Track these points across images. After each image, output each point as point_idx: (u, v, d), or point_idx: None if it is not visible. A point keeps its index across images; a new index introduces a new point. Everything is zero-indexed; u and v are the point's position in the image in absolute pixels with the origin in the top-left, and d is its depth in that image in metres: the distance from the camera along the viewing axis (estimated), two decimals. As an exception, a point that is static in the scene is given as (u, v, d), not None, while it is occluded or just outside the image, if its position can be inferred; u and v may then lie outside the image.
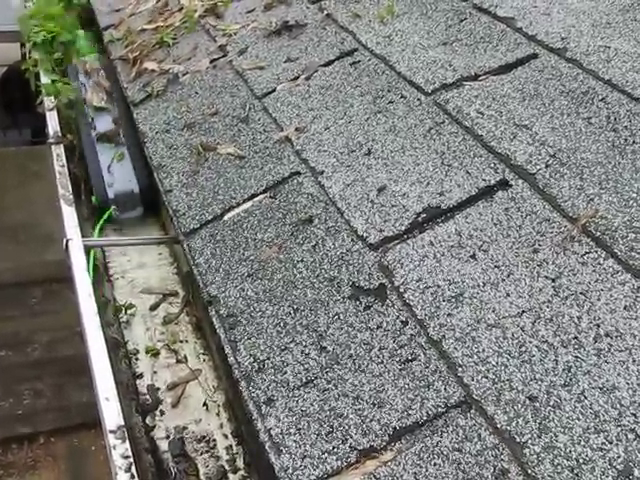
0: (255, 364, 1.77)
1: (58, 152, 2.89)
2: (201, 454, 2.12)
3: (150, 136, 2.63)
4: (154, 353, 2.38)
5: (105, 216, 2.82)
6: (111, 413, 1.90)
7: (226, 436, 2.15)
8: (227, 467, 2.06)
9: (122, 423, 1.88)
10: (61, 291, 8.40)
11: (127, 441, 1.85)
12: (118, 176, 2.86)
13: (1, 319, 8.32)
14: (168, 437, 2.17)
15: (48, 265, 8.21)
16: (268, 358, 1.77)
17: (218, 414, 2.20)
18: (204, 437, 2.17)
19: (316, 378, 1.70)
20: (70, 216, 2.53)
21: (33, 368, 8.49)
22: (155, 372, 2.35)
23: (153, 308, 2.47)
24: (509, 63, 2.32)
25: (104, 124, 3.10)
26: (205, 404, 2.20)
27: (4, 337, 8.40)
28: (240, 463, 2.07)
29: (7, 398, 8.47)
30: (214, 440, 2.15)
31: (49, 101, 3.23)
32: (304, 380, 1.70)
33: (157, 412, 2.23)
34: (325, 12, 2.85)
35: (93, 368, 2.01)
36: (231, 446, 2.12)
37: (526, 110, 2.13)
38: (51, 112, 3.17)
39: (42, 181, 8.96)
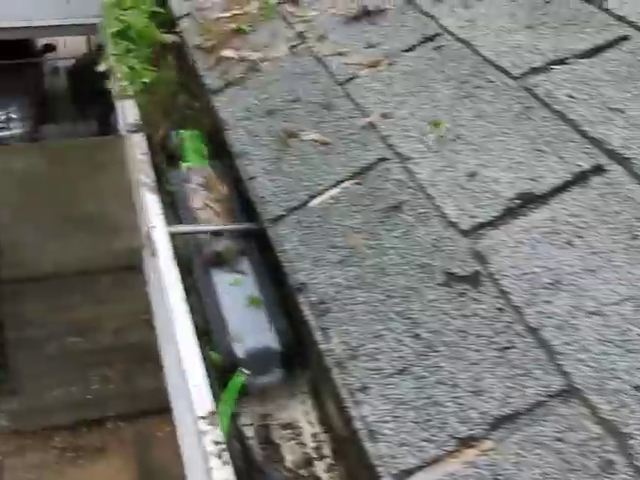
0: (348, 351, 1.76)
1: (137, 140, 2.90)
2: (286, 441, 2.12)
3: (231, 123, 2.63)
4: (239, 340, 2.37)
5: (236, 386, 2.17)
6: (201, 399, 1.90)
7: (312, 423, 2.15)
8: (313, 454, 2.06)
9: (213, 409, 1.88)
10: (128, 279, 8.51)
11: (218, 427, 1.86)
12: (247, 323, 2.22)
13: (71, 307, 8.49)
14: (253, 424, 2.18)
15: (116, 254, 8.35)
16: (361, 345, 1.76)
17: (303, 402, 2.20)
18: (289, 424, 2.17)
19: (411, 366, 1.68)
20: (153, 203, 2.54)
21: (101, 354, 8.66)
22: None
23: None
24: (599, 45, 2.27)
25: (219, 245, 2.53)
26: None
27: (74, 324, 8.57)
28: (326, 451, 2.06)
29: (77, 383, 8.66)
30: (299, 427, 2.15)
31: (125, 88, 3.25)
32: (399, 368, 1.68)
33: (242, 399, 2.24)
34: (405, -4, 2.83)
35: (181, 354, 2.02)
36: (316, 434, 2.12)
37: (618, 93, 2.08)
38: (128, 100, 3.19)
39: (110, 171, 9.06)
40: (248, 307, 2.27)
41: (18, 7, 12.02)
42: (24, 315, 8.43)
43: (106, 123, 10.91)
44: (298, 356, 2.21)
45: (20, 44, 12.36)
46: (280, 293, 2.25)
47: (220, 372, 2.18)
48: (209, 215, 2.59)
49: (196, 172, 2.77)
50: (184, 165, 2.84)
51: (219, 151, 2.86)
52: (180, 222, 2.62)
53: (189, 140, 2.98)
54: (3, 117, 11.44)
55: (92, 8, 11.45)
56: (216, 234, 2.51)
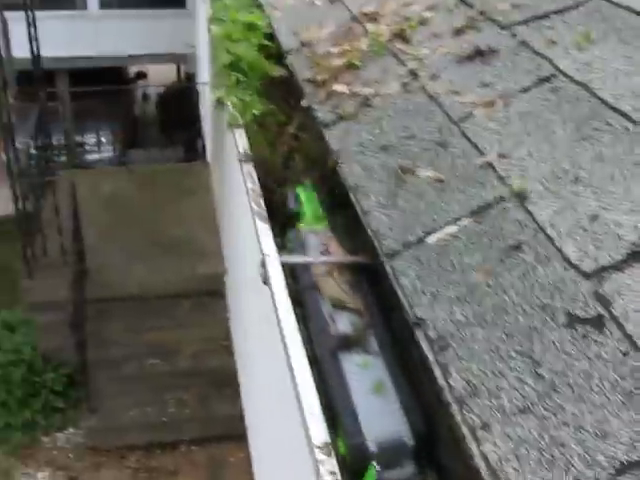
0: (468, 388, 1.77)
1: (248, 169, 2.97)
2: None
3: (344, 157, 2.68)
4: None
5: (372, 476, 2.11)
6: (317, 429, 1.93)
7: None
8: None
9: (328, 440, 1.91)
10: (210, 304, 8.64)
11: (333, 457, 1.88)
12: (377, 412, 2.14)
13: (153, 329, 8.62)
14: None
15: (199, 279, 8.48)
16: (482, 383, 1.77)
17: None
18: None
19: (533, 405, 1.68)
20: (266, 232, 2.59)
21: (179, 378, 8.75)
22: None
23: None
24: None
25: (346, 323, 2.49)
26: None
27: (154, 346, 8.69)
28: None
29: (153, 405, 8.76)
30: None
31: (236, 118, 3.33)
32: (521, 407, 1.69)
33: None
34: (518, 38, 2.85)
35: (297, 384, 2.05)
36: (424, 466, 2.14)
37: None
38: (239, 129, 3.27)
39: (196, 197, 9.26)
40: (377, 393, 2.20)
41: (113, 38, 12.42)
42: (106, 335, 8.59)
43: (193, 149, 11.16)
44: (430, 449, 2.14)
45: (113, 71, 12.76)
46: (412, 373, 2.22)
47: (349, 463, 2.16)
48: (330, 284, 2.55)
49: (315, 236, 2.79)
50: (303, 228, 2.86)
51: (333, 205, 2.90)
52: (301, 286, 2.60)
53: (306, 201, 3.00)
54: (94, 141, 11.77)
55: (183, 39, 11.73)
56: (341, 307, 2.47)
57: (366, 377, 2.26)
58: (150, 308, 8.60)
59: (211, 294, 8.50)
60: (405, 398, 2.20)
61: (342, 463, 2.07)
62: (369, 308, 2.51)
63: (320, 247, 2.73)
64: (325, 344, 2.38)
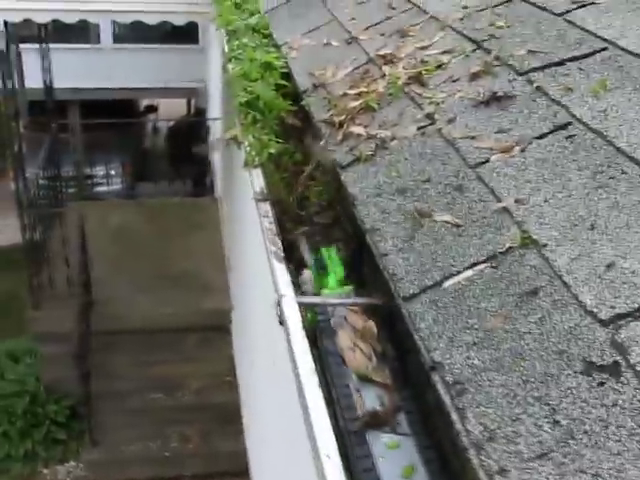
0: (486, 433, 1.78)
1: (266, 209, 3.00)
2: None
3: (361, 199, 2.71)
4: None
5: None
6: (333, 472, 1.93)
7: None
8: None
9: (345, 480, 1.92)
10: (214, 339, 8.67)
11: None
12: None
13: (157, 362, 8.64)
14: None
15: (205, 313, 8.51)
16: (499, 428, 1.78)
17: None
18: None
19: (551, 451, 1.70)
20: (282, 272, 2.62)
21: (183, 412, 8.76)
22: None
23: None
24: None
25: (373, 399, 2.36)
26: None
27: (158, 380, 8.71)
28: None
29: (156, 439, 8.76)
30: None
31: (252, 157, 3.36)
32: (538, 452, 1.70)
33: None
34: (534, 84, 2.88)
35: (312, 425, 2.06)
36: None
37: None
38: (255, 168, 3.30)
39: (204, 232, 9.32)
40: (407, 478, 2.11)
41: (125, 71, 12.56)
42: (111, 368, 8.60)
43: (201, 184, 11.23)
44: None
45: (124, 104, 12.86)
46: (444, 451, 2.13)
47: None
48: (358, 357, 2.46)
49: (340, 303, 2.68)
50: (326, 293, 2.79)
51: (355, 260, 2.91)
52: (327, 362, 2.50)
53: (330, 264, 2.93)
54: (103, 173, 11.84)
55: (194, 74, 11.86)
56: (367, 380, 2.38)
57: (396, 460, 2.15)
58: (155, 342, 8.63)
59: (216, 329, 8.54)
60: None
61: None
62: (398, 383, 2.41)
63: (346, 316, 2.62)
64: (351, 422, 2.27)
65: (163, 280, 8.82)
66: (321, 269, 2.92)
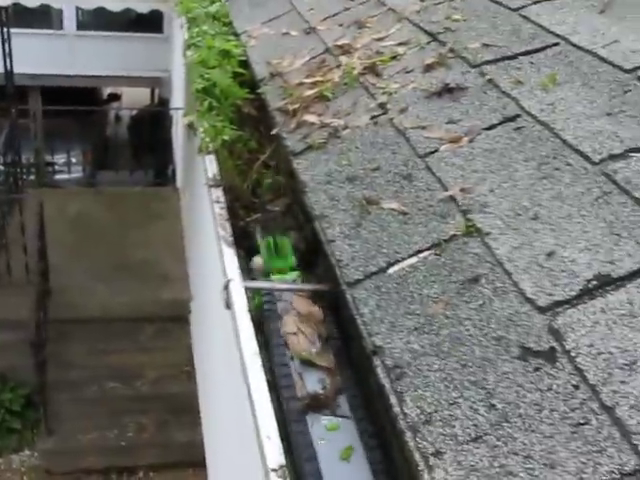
0: (422, 416, 1.81)
1: (217, 195, 3.00)
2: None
3: (311, 186, 2.72)
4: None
5: None
6: (273, 452, 1.95)
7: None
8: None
9: (284, 462, 1.93)
10: (172, 329, 8.62)
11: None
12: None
13: (114, 352, 8.57)
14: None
15: (162, 303, 8.46)
16: (436, 411, 1.81)
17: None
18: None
19: (485, 434, 1.72)
20: (231, 257, 2.62)
21: (140, 402, 8.70)
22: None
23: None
24: (679, 138, 2.33)
25: (314, 382, 2.40)
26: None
27: (114, 369, 8.64)
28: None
29: (112, 429, 8.69)
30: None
31: (206, 144, 3.36)
32: (473, 435, 1.73)
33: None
34: (486, 77, 2.92)
35: (255, 406, 2.07)
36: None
37: (698, 186, 2.14)
38: (209, 155, 3.30)
39: (164, 222, 9.26)
40: (345, 460, 2.14)
41: (89, 58, 12.45)
42: (67, 356, 8.52)
43: (163, 174, 11.17)
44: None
45: (87, 92, 12.76)
46: (384, 435, 2.18)
47: None
48: (301, 341, 2.49)
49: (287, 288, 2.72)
50: (274, 279, 2.81)
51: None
52: (268, 345, 2.53)
53: (280, 248, 2.96)
54: (64, 161, 11.73)
55: (158, 63, 11.76)
56: (310, 364, 2.41)
57: (335, 441, 2.18)
58: (113, 331, 8.56)
59: (175, 320, 8.48)
60: (376, 463, 2.13)
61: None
62: (341, 366, 2.44)
63: (294, 303, 2.64)
64: (293, 404, 2.29)
65: (122, 269, 8.75)
66: (272, 255, 2.93)
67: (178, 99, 9.18)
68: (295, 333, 2.50)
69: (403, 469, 1.95)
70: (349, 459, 2.14)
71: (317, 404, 2.28)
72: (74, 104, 10.62)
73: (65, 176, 11.71)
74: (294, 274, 2.81)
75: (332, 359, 2.44)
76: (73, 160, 11.84)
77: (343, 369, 2.42)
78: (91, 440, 8.71)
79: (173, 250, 8.72)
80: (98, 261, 8.79)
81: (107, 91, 14.23)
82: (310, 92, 3.27)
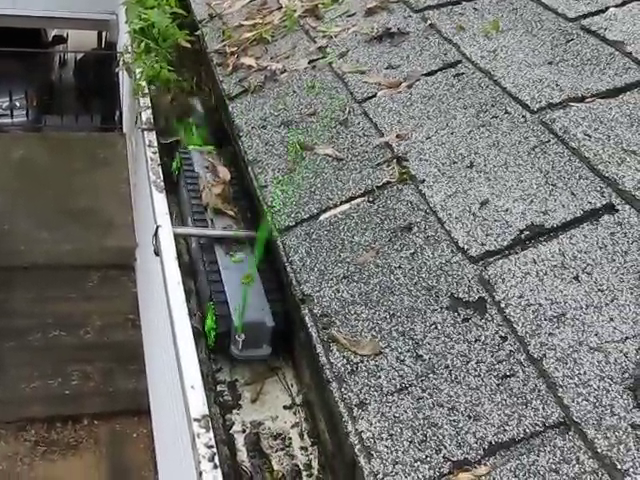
0: (348, 366, 1.77)
1: (150, 139, 2.91)
2: (276, 451, 2.13)
3: (245, 130, 2.65)
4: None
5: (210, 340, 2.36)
6: (196, 402, 1.90)
7: (302, 436, 2.15)
8: (301, 467, 2.06)
9: (207, 412, 1.89)
10: (117, 277, 8.52)
11: (211, 431, 1.86)
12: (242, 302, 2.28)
13: (57, 299, 8.44)
14: (244, 431, 2.18)
15: (107, 251, 8.34)
16: (362, 361, 1.77)
17: (295, 413, 2.21)
18: (280, 435, 2.18)
19: (411, 385, 1.69)
20: (161, 202, 2.55)
21: (84, 351, 8.59)
22: (234, 366, 2.36)
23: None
24: (617, 87, 2.29)
25: (223, 225, 2.69)
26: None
27: (59, 317, 8.52)
28: (315, 464, 2.06)
29: (56, 377, 8.59)
30: (290, 439, 2.15)
31: (142, 86, 3.26)
32: (398, 386, 1.69)
33: (235, 406, 2.24)
34: (428, 22, 2.85)
35: (180, 356, 2.02)
36: (306, 447, 2.12)
37: (634, 136, 2.10)
38: (144, 98, 3.20)
39: (109, 168, 9.09)
40: (246, 284, 2.36)
41: (33, -3, 12.08)
42: (10, 304, 8.39)
43: (110, 119, 10.94)
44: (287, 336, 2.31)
45: (31, 33, 12.40)
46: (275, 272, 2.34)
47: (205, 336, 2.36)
48: (213, 195, 2.76)
49: (201, 154, 2.99)
50: (190, 147, 3.06)
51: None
52: (179, 201, 2.85)
53: (195, 127, 3.22)
54: (6, 104, 11.43)
55: (106, 5, 11.46)
56: (219, 212, 2.70)
57: (237, 270, 2.44)
58: (57, 278, 8.43)
59: (120, 267, 8.38)
60: (270, 290, 2.35)
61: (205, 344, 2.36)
62: (244, 218, 2.74)
63: (206, 163, 2.97)
64: (204, 242, 2.59)
65: (66, 216, 8.59)
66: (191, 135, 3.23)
67: (124, 42, 8.95)
68: (208, 186, 2.82)
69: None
70: (248, 283, 2.35)
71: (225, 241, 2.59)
72: (17, 46, 10.32)
73: (8, 120, 11.41)
74: (210, 147, 3.11)
75: (237, 210, 2.74)
76: (16, 104, 11.54)
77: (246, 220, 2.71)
78: (35, 389, 8.61)
79: (119, 197, 8.58)
80: (43, 207, 8.61)
81: (52, 33, 13.85)
82: (249, 34, 3.18)
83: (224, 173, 2.88)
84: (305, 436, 2.14)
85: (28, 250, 8.29)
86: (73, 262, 8.35)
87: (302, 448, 2.11)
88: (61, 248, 8.35)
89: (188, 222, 2.74)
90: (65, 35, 13.95)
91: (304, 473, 2.04)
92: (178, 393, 2.17)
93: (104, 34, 13.60)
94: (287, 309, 2.25)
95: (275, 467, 2.07)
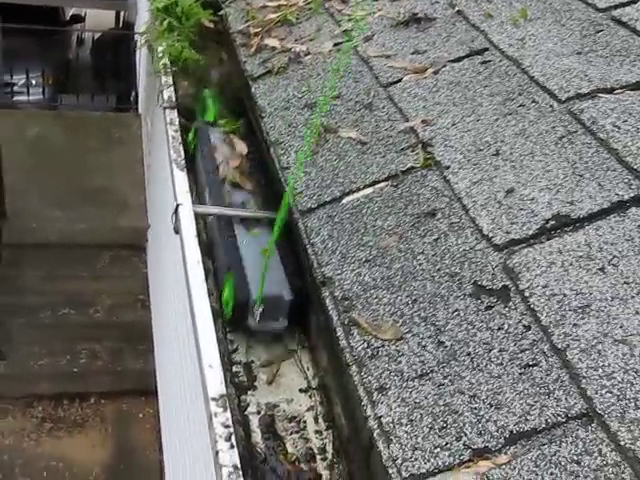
0: (369, 350, 1.76)
1: (172, 117, 2.90)
2: (290, 434, 2.12)
3: (268, 112, 2.63)
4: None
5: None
6: (214, 381, 1.89)
7: (317, 419, 2.15)
8: (315, 450, 2.06)
9: (224, 392, 1.88)
10: (128, 257, 8.54)
11: (228, 410, 1.85)
12: (259, 276, 2.29)
13: (69, 278, 8.46)
14: (259, 413, 2.18)
15: (120, 231, 8.35)
16: (382, 346, 1.76)
17: (311, 396, 2.20)
18: (294, 417, 2.17)
19: (432, 372, 1.68)
20: (181, 181, 2.53)
21: (94, 329, 8.62)
22: (250, 347, 2.36)
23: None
24: (648, 79, 2.27)
25: (240, 199, 2.72)
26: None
27: (69, 295, 8.54)
28: (329, 448, 2.06)
29: (65, 355, 8.62)
30: (304, 422, 2.15)
31: (164, 65, 3.25)
32: (419, 372, 1.68)
33: (250, 387, 2.24)
34: (456, 8, 2.82)
35: (198, 334, 2.01)
36: (321, 431, 2.12)
37: (664, 128, 2.08)
38: (166, 76, 3.19)
39: (124, 148, 9.09)
40: (264, 256, 2.33)
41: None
42: (22, 281, 8.41)
43: (126, 99, 10.92)
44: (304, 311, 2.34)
45: (49, 12, 12.38)
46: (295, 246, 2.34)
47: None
48: (231, 170, 2.79)
49: (218, 132, 2.99)
50: (207, 121, 3.10)
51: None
52: (195, 174, 2.89)
53: (212, 101, 3.23)
54: (23, 82, 11.42)
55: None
56: (237, 187, 2.73)
57: (256, 244, 2.46)
58: (69, 257, 8.45)
59: (132, 247, 8.39)
60: (288, 264, 2.37)
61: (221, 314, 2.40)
62: (262, 193, 2.76)
63: (223, 137, 2.99)
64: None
65: (80, 195, 8.60)
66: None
67: (142, 23, 8.94)
68: (226, 160, 2.83)
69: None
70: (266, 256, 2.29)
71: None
72: (35, 24, 10.30)
73: (24, 98, 11.40)
74: (226, 121, 3.13)
75: (256, 187, 2.76)
76: (33, 82, 11.53)
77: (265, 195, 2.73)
78: (43, 366, 8.64)
79: (133, 177, 8.57)
80: (56, 186, 8.62)
81: (70, 12, 13.83)
82: (273, 15, 3.16)
83: (241, 147, 2.89)
84: (320, 420, 2.13)
85: (40, 228, 8.31)
86: (85, 241, 8.36)
87: (317, 432, 2.11)
88: (74, 227, 8.36)
89: (205, 195, 2.77)
90: (83, 14, 13.95)
91: (318, 457, 2.04)
92: (192, 373, 2.17)
93: (122, 14, 13.59)
94: (305, 285, 2.26)
95: (289, 450, 2.06)
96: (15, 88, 11.66)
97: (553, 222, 1.88)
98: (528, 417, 1.54)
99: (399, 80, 2.56)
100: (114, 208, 8.51)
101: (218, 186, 2.72)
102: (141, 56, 8.71)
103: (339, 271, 1.97)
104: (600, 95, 2.22)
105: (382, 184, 2.18)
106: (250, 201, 2.68)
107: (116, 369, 8.67)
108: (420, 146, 2.24)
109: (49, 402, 8.60)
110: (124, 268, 8.53)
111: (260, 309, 2.26)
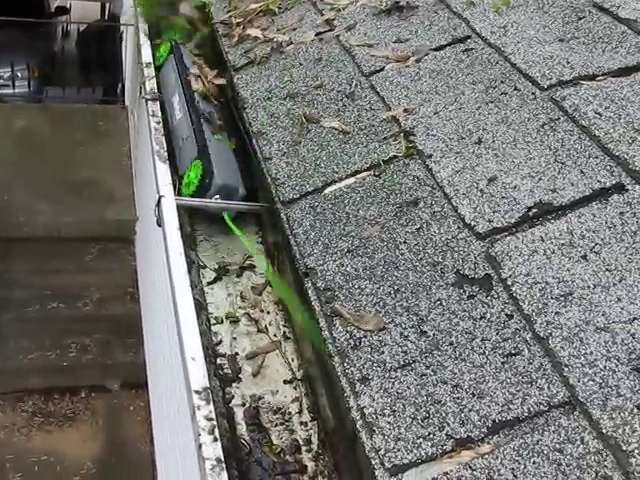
0: (351, 341, 1.75)
1: (154, 109, 2.88)
2: (275, 426, 2.11)
3: (250, 102, 2.62)
4: (233, 320, 2.37)
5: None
6: (197, 374, 1.88)
7: (301, 411, 2.14)
8: (301, 442, 2.05)
9: (207, 385, 1.87)
10: (117, 250, 8.48)
11: (211, 403, 1.84)
12: (224, 168, 2.62)
13: (56, 271, 8.41)
14: (244, 405, 2.17)
15: (107, 223, 8.30)
16: (365, 336, 1.75)
17: (295, 388, 2.19)
18: (279, 409, 2.16)
19: (414, 362, 1.67)
20: (164, 173, 2.51)
21: (82, 323, 8.57)
22: (234, 339, 2.34)
23: (238, 275, 2.46)
24: (629, 66, 2.25)
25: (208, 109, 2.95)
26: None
27: (57, 289, 8.48)
28: (314, 439, 2.05)
29: (54, 349, 8.56)
30: (289, 413, 2.14)
31: (147, 56, 3.22)
32: (402, 362, 1.68)
33: (235, 379, 2.23)
34: (438, -4, 2.81)
35: (180, 327, 2.00)
36: (306, 422, 2.11)
37: (646, 115, 2.07)
38: (148, 68, 3.16)
39: (110, 140, 9.03)
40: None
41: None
42: (9, 275, 8.36)
43: (112, 92, 10.86)
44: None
45: (34, 4, 12.30)
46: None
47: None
48: (200, 83, 3.02)
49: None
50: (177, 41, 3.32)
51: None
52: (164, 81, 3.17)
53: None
54: (8, 75, 11.34)
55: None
56: (206, 99, 2.96)
57: (220, 146, 2.73)
58: (56, 250, 8.39)
59: (120, 240, 8.34)
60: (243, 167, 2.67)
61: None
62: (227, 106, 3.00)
63: (192, 59, 3.22)
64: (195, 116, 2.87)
65: (66, 188, 8.54)
66: None
67: (129, 15, 8.89)
68: (195, 76, 3.04)
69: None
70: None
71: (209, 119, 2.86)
72: (20, 17, 10.23)
73: (9, 91, 11.32)
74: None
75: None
76: (18, 74, 11.45)
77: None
78: (33, 360, 8.59)
79: (120, 170, 8.52)
80: (43, 179, 8.56)
81: (55, 4, 13.73)
82: (255, 5, 3.14)
83: (210, 72, 3.08)
84: (305, 411, 2.13)
85: (27, 222, 8.25)
86: (72, 234, 8.31)
87: (302, 423, 2.10)
88: (61, 220, 8.30)
89: (174, 97, 3.07)
90: (68, 6, 13.85)
91: (303, 448, 2.03)
92: (178, 366, 2.16)
93: (107, 6, 13.51)
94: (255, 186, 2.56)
95: (274, 441, 2.05)
96: (0, 81, 11.59)
97: (535, 210, 1.88)
98: (511, 406, 1.54)
99: (381, 69, 2.54)
100: (101, 201, 8.45)
101: (188, 89, 2.99)
102: (127, 48, 8.67)
103: (321, 262, 1.96)
104: (582, 82, 2.21)
105: (364, 174, 2.17)
106: (214, 115, 2.90)
107: (106, 362, 8.62)
108: (402, 135, 2.23)
109: (39, 396, 8.55)
110: (112, 261, 8.47)
111: (217, 198, 2.54)
